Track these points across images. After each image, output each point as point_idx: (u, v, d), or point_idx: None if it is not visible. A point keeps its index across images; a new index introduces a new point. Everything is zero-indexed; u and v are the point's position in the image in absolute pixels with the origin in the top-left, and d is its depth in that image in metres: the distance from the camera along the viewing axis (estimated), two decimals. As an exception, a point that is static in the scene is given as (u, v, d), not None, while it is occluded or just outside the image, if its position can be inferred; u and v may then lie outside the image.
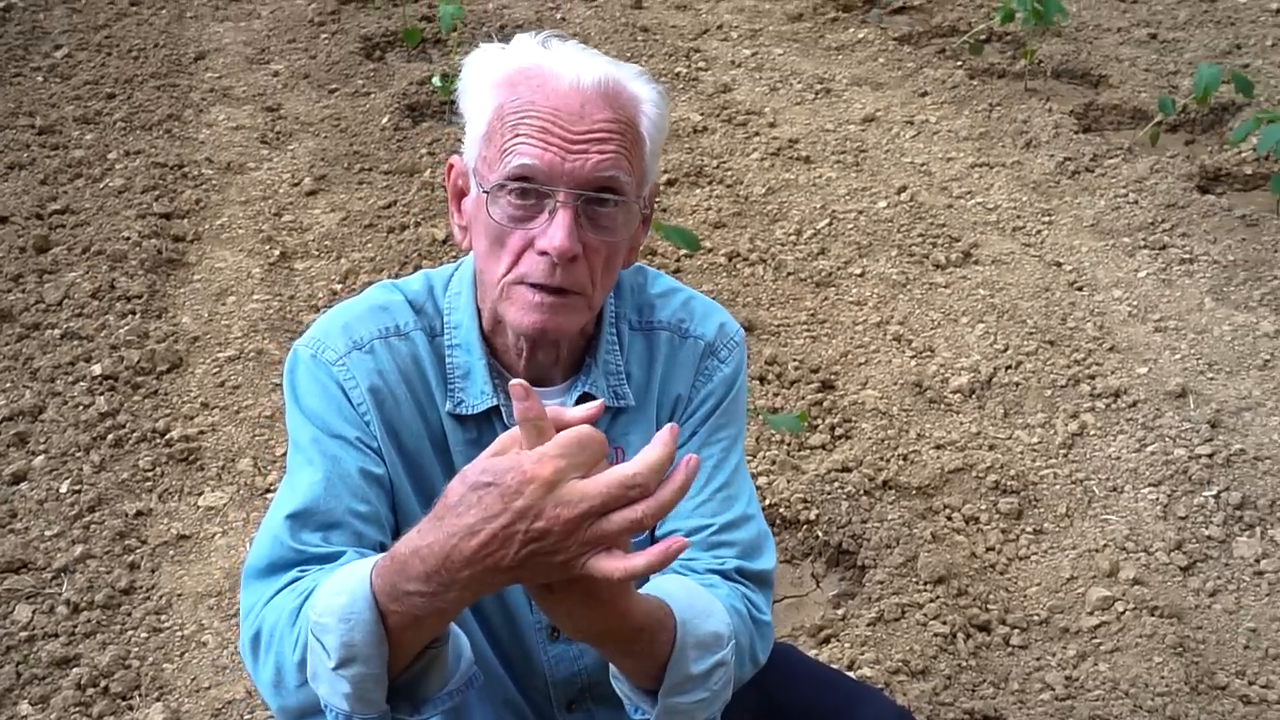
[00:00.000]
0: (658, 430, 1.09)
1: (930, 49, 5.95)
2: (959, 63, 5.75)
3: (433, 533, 1.09)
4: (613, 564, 1.06)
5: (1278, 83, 5.28)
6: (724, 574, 1.46)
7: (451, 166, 1.48)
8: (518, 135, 1.34)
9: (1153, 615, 2.71)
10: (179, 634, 2.74)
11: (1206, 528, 2.97)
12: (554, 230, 1.33)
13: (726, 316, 1.61)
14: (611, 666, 1.33)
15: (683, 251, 4.03)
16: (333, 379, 1.44)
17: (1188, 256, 4.10)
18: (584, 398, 1.49)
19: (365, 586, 1.15)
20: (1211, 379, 3.51)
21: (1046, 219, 4.40)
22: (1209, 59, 5.38)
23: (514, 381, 1.09)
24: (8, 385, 3.50)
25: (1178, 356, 3.61)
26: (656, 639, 1.25)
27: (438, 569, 1.09)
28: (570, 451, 1.05)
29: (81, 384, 3.49)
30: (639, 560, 1.07)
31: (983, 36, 5.85)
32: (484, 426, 1.48)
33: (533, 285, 1.36)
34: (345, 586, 1.17)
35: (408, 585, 1.11)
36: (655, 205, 4.75)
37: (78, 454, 3.24)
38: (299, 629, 1.23)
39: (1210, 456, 3.16)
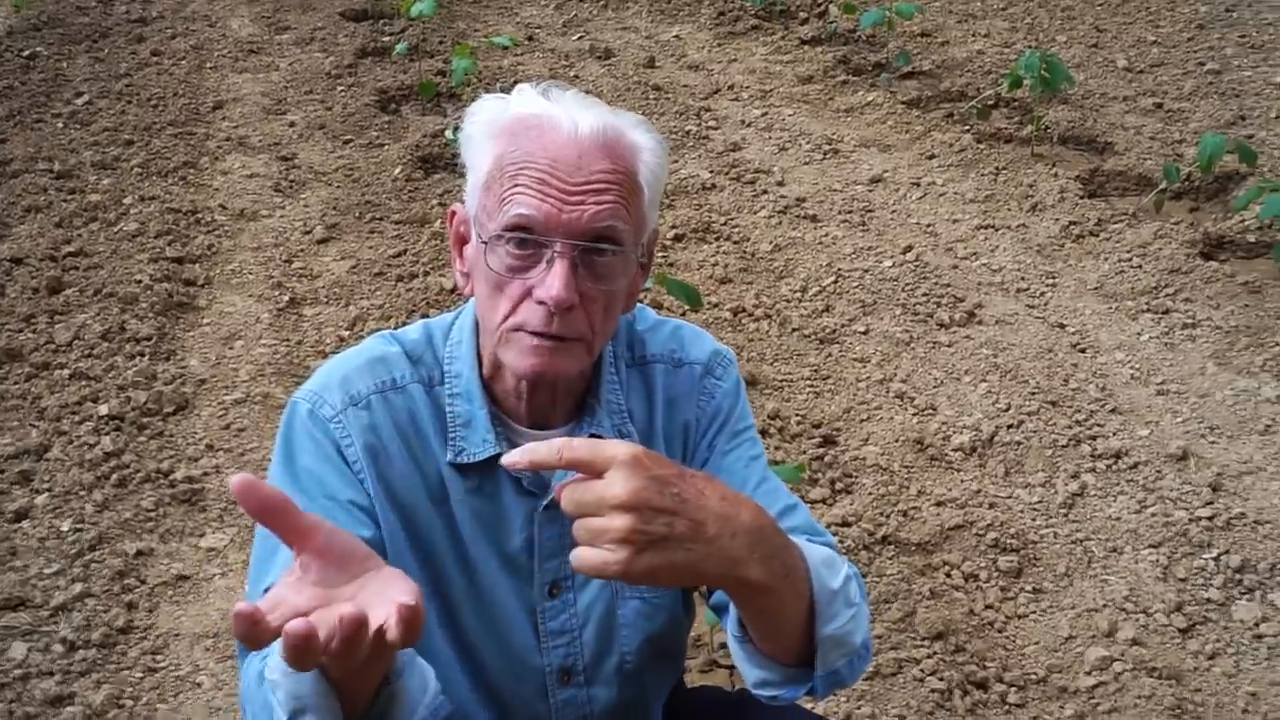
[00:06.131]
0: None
1: (938, 113, 6.01)
2: (966, 127, 5.81)
3: None
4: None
5: (1281, 153, 5.34)
6: None
7: (454, 214, 1.50)
8: (516, 186, 1.35)
9: (1151, 676, 2.69)
10: (174, 674, 2.74)
11: (1206, 590, 2.96)
12: (551, 280, 1.34)
13: (713, 339, 1.65)
14: (744, 669, 1.39)
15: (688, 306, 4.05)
16: (328, 436, 1.44)
17: (1190, 321, 4.11)
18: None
19: None
20: (1213, 443, 3.51)
21: (1050, 281, 4.43)
22: (1214, 129, 5.44)
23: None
24: (14, 424, 3.53)
25: (1179, 419, 3.61)
26: (794, 555, 1.28)
27: None
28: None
29: (88, 424, 3.52)
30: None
31: (990, 102, 5.91)
32: (485, 475, 1.48)
33: (531, 332, 1.38)
34: None
35: None
36: (661, 258, 4.73)
37: (81, 493, 3.25)
38: (264, 688, 1.23)
39: (1211, 519, 3.16)
